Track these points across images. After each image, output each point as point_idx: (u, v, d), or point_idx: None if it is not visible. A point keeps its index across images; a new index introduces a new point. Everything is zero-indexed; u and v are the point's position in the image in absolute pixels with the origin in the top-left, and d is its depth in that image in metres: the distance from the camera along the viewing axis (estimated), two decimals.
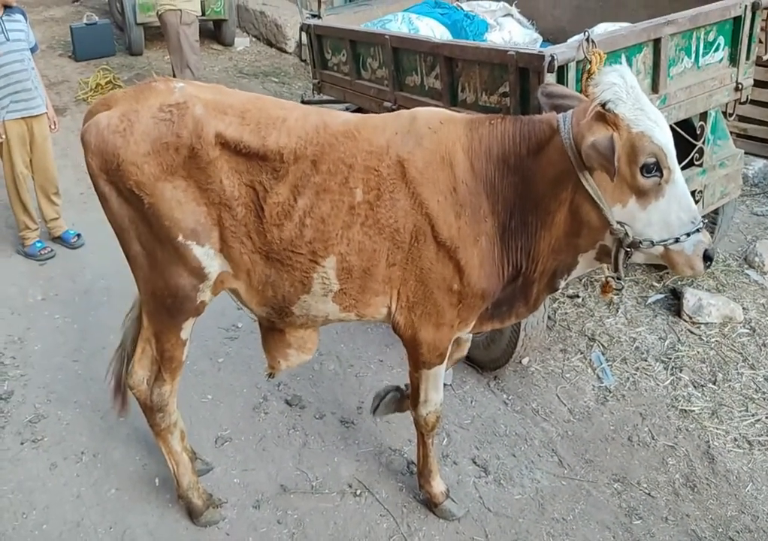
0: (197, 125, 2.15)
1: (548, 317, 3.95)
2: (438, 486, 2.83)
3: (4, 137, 4.58)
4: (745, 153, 4.18)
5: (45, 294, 4.48)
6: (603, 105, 1.95)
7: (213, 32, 9.83)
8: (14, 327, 4.13)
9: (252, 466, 3.11)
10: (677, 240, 2.00)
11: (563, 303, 4.22)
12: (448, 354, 2.52)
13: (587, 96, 2.43)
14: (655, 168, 1.94)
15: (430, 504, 2.87)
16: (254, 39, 10.26)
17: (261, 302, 2.41)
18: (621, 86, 1.95)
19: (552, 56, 2.69)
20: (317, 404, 3.48)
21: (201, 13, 7.27)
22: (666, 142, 1.95)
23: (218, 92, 2.33)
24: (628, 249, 2.05)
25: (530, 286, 2.35)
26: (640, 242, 2.02)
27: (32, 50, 4.73)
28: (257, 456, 3.16)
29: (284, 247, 2.23)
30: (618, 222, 2.01)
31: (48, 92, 5.02)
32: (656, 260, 2.15)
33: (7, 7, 4.50)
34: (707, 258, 2.04)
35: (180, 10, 6.60)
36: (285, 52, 9.54)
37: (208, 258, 2.30)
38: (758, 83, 4.69)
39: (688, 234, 1.99)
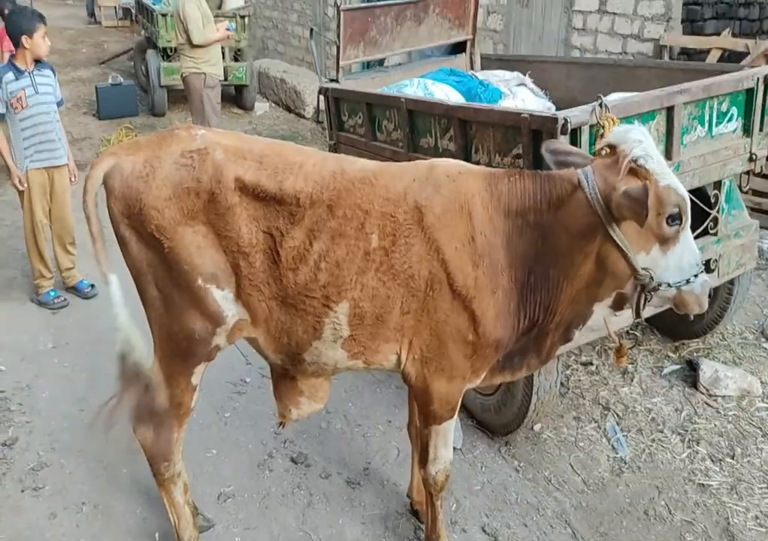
0: (216, 169, 2.24)
1: (561, 384, 3.94)
2: None
3: (26, 185, 4.77)
4: (760, 227, 4.28)
5: (56, 342, 4.55)
6: (635, 161, 2.10)
7: (234, 97, 10.29)
8: (23, 373, 4.18)
9: (255, 524, 3.08)
10: (688, 282, 2.19)
11: (577, 370, 4.23)
12: (458, 408, 2.54)
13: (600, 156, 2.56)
14: (678, 217, 2.12)
15: None
16: (273, 104, 10.72)
17: (277, 349, 2.46)
18: (646, 143, 2.11)
19: (566, 119, 2.79)
20: (323, 463, 3.46)
21: (223, 78, 7.64)
22: (684, 193, 2.14)
23: (238, 139, 2.43)
24: (648, 294, 2.20)
25: (545, 338, 2.41)
26: (659, 285, 2.18)
27: (58, 104, 4.99)
28: (260, 514, 3.14)
29: (298, 291, 2.28)
30: (643, 269, 2.16)
31: (71, 148, 5.24)
32: (667, 302, 2.29)
33: (38, 62, 4.79)
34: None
35: (205, 73, 6.95)
36: (303, 117, 9.95)
37: (227, 301, 2.35)
38: None
39: (696, 275, 2.19)
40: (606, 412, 3.83)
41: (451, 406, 2.48)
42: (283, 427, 2.79)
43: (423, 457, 2.64)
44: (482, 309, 2.26)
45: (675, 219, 2.12)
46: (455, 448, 3.54)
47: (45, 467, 3.40)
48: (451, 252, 2.23)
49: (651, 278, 2.16)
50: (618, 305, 2.31)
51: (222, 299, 2.35)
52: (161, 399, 2.59)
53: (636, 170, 2.11)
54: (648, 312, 3.55)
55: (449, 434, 2.58)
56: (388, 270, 2.25)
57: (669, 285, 2.18)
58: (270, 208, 2.26)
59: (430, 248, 2.23)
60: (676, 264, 2.17)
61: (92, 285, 5.05)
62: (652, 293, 2.20)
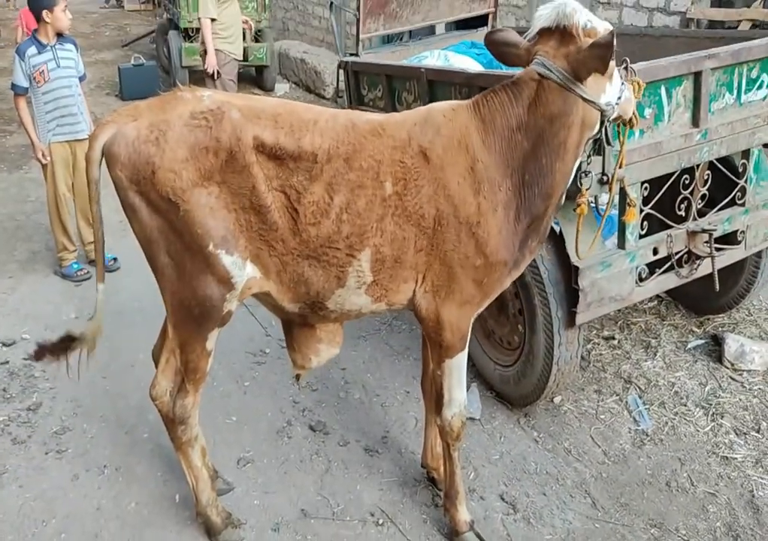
0: (235, 129, 2.23)
1: (582, 357, 3.91)
2: (463, 513, 2.80)
3: (48, 159, 4.83)
4: None
5: (79, 312, 4.63)
6: (584, 27, 2.26)
7: (255, 77, 10.28)
8: None
9: (273, 489, 3.11)
10: (621, 91, 2.41)
11: (598, 344, 4.19)
12: (468, 339, 2.60)
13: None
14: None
15: (452, 533, 2.81)
16: (294, 85, 10.69)
17: (294, 299, 2.47)
18: (580, 8, 2.28)
19: None
20: (341, 431, 3.48)
21: (242, 59, 7.64)
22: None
23: (247, 98, 2.46)
24: (608, 121, 2.42)
25: (542, 221, 2.52)
26: (613, 109, 2.39)
27: (81, 79, 5.03)
28: (278, 479, 3.17)
29: (320, 244, 2.33)
30: (607, 105, 2.36)
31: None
32: (616, 120, 2.52)
33: (60, 36, 4.83)
34: None
35: (222, 51, 6.96)
36: (324, 98, 9.92)
37: (236, 267, 2.36)
38: None
39: (622, 84, 2.42)
40: (627, 386, 3.80)
41: (462, 335, 2.55)
42: (298, 379, 2.85)
43: (438, 402, 2.67)
44: (487, 231, 2.38)
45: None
46: (473, 419, 3.56)
47: (68, 431, 3.47)
48: (455, 187, 2.34)
49: (612, 107, 2.37)
50: (586, 150, 2.54)
51: (232, 265, 2.35)
52: (178, 365, 2.63)
53: (587, 33, 2.27)
54: (672, 284, 3.54)
55: (462, 372, 2.63)
56: (402, 213, 2.35)
57: (615, 105, 2.38)
58: (284, 167, 2.28)
59: (437, 187, 2.34)
60: (615, 86, 2.38)
61: (115, 259, 5.11)
62: (609, 118, 2.41)
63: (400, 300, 2.52)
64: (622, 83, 2.43)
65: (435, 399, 2.72)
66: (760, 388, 3.73)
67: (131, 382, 3.79)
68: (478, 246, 2.38)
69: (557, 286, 3.19)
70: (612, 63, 2.31)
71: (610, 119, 2.44)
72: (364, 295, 2.46)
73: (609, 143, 2.56)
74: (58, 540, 2.83)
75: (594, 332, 4.28)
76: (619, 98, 2.40)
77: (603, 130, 2.49)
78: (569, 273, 3.13)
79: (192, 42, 9.15)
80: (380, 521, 2.94)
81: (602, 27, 2.30)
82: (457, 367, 2.61)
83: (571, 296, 3.16)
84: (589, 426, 3.52)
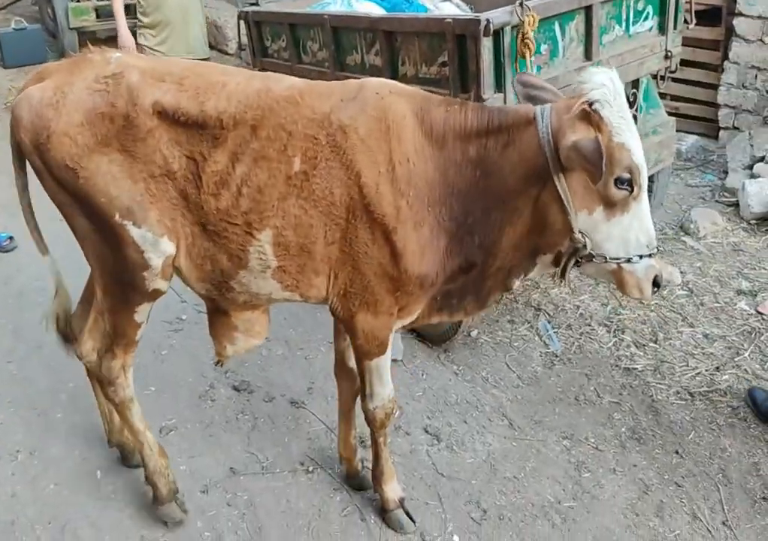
0: (131, 93, 2.05)
1: None
2: (391, 491, 2.63)
3: None
4: (677, 130, 4.27)
5: None
6: (590, 104, 1.85)
7: None
8: None
9: (200, 452, 3.00)
10: (629, 261, 1.95)
11: None
12: (390, 344, 2.33)
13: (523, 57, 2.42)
14: (628, 182, 1.87)
15: (381, 511, 2.66)
16: None
17: (200, 277, 2.28)
18: (610, 89, 1.85)
19: (488, 20, 2.71)
20: (266, 388, 3.38)
21: None
22: (641, 159, 1.89)
23: (157, 61, 2.27)
24: (580, 260, 1.99)
25: (484, 281, 2.22)
26: (594, 255, 1.96)
27: None
28: (204, 443, 3.06)
29: (220, 217, 2.12)
30: (579, 231, 1.92)
31: None
32: (606, 276, 2.06)
33: None
34: (655, 284, 2.01)
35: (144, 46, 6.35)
36: (227, 53, 9.34)
37: (147, 242, 2.16)
38: (686, 62, 4.78)
39: (641, 256, 1.95)
40: (537, 313, 3.87)
41: (379, 342, 2.28)
42: (221, 365, 2.62)
43: (362, 390, 2.48)
44: (403, 243, 2.06)
45: (624, 182, 1.86)
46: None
47: None
48: (372, 176, 2.01)
49: (585, 245, 1.93)
50: (558, 263, 2.07)
51: (141, 239, 2.15)
52: (106, 328, 2.46)
53: (590, 117, 1.86)
54: None
55: (383, 371, 2.40)
56: (309, 197, 2.07)
57: (605, 258, 1.96)
58: (192, 132, 2.08)
59: (350, 171, 2.02)
60: (621, 236, 1.93)
61: (11, 238, 4.70)
62: (584, 261, 1.99)
63: (315, 295, 2.24)
64: (642, 256, 1.93)
65: (360, 385, 2.50)
66: (656, 303, 3.85)
67: (39, 364, 3.55)
68: (392, 255, 2.06)
69: None
70: (628, 203, 1.87)
71: (577, 256, 1.96)
72: (271, 280, 2.21)
73: (561, 276, 2.04)
74: None
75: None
76: (618, 260, 1.92)
77: (563, 261, 2.02)
78: None
79: (79, 1, 8.36)
80: (310, 469, 2.89)
81: (616, 133, 1.82)
82: (377, 368, 2.37)
83: None
84: (504, 354, 3.58)
